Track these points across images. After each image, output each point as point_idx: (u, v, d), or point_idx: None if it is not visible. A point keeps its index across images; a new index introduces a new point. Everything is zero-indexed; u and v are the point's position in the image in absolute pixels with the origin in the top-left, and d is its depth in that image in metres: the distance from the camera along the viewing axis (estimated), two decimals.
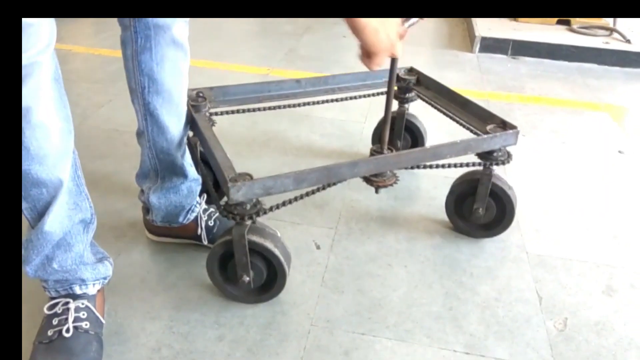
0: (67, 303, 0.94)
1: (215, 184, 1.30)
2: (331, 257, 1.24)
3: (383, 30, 0.79)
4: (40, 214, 0.85)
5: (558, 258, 1.27)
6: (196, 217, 1.20)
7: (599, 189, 1.56)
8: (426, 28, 3.10)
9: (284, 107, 1.39)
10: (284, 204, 1.06)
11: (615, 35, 2.72)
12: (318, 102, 1.42)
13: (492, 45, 2.70)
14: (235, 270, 1.03)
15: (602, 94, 2.27)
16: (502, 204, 1.25)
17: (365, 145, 1.72)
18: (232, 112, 1.34)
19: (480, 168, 1.22)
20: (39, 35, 0.71)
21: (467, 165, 1.24)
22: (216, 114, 1.31)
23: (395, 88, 1.44)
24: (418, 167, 1.17)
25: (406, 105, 1.51)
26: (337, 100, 1.44)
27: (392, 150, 1.16)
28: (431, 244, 1.30)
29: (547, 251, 1.29)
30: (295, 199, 1.08)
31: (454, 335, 1.05)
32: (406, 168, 1.15)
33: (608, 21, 2.80)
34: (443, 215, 1.33)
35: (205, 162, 1.22)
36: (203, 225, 1.20)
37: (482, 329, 1.06)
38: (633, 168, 1.69)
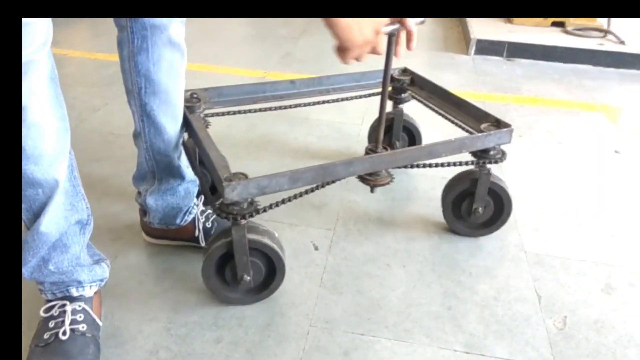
0: (64, 305, 0.93)
1: (212, 187, 1.29)
2: (329, 258, 1.24)
3: (357, 27, 0.79)
4: (36, 215, 0.84)
5: (556, 257, 1.27)
6: (193, 219, 1.20)
7: (596, 188, 1.57)
8: (421, 31, 3.11)
9: (281, 108, 1.38)
10: (278, 204, 1.06)
11: (610, 36, 2.73)
12: (314, 104, 1.42)
13: (488, 48, 2.71)
14: (234, 272, 1.02)
15: (598, 94, 2.28)
16: (499, 201, 1.26)
17: (362, 146, 1.70)
18: (228, 113, 1.34)
19: (472, 167, 1.23)
20: (35, 34, 0.70)
21: (462, 164, 1.24)
22: (211, 115, 1.30)
23: (390, 88, 1.44)
24: (413, 166, 1.17)
25: (400, 106, 1.51)
26: (333, 101, 1.44)
27: (387, 149, 1.16)
28: (429, 244, 1.29)
29: (545, 250, 1.29)
30: (290, 199, 1.07)
31: (453, 334, 1.04)
32: (401, 167, 1.15)
33: (602, 23, 2.82)
34: (441, 216, 1.33)
35: (202, 164, 1.22)
36: (200, 227, 1.19)
37: (482, 328, 1.06)
38: (629, 167, 1.69)
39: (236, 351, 0.99)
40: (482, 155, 1.20)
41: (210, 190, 1.27)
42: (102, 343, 0.96)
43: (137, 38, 0.96)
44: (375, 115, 1.17)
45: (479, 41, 2.71)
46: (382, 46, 0.87)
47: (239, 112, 1.35)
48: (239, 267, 1.01)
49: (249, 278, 1.02)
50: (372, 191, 1.19)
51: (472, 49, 2.72)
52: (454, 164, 1.24)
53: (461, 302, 1.12)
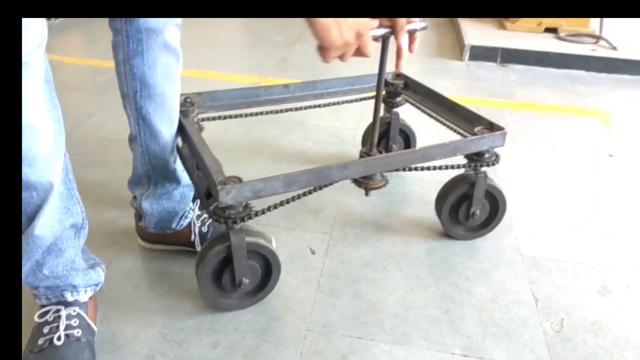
0: (59, 310, 0.92)
1: (207, 192, 1.29)
2: (326, 261, 1.23)
3: (336, 28, 0.77)
4: (30, 218, 0.83)
5: (553, 260, 1.27)
6: (189, 223, 1.19)
7: (591, 192, 1.57)
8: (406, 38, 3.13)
9: (277, 112, 1.38)
10: (275, 206, 1.05)
11: (602, 42, 2.76)
12: (306, 108, 1.42)
13: (482, 54, 2.73)
14: (232, 277, 1.02)
15: (591, 99, 2.30)
16: (493, 201, 1.27)
17: (358, 151, 1.71)
18: (222, 117, 1.34)
19: (464, 171, 1.23)
20: (30, 35, 0.70)
21: (455, 167, 1.24)
22: (205, 119, 1.30)
23: (384, 92, 1.45)
24: (408, 169, 1.17)
25: (396, 110, 1.51)
26: (328, 105, 1.44)
27: (381, 153, 1.16)
28: (426, 248, 1.29)
29: (541, 253, 1.30)
30: (286, 202, 1.07)
31: (451, 337, 1.04)
32: (396, 170, 1.15)
33: (595, 29, 2.85)
34: (437, 219, 1.33)
35: (198, 168, 1.21)
36: (196, 231, 1.19)
37: (479, 331, 1.06)
38: (623, 171, 1.70)
39: (233, 356, 0.98)
40: (476, 158, 1.21)
41: (206, 195, 1.26)
42: (98, 349, 0.96)
43: (132, 41, 0.96)
44: (371, 119, 1.17)
45: (473, 47, 2.73)
46: (370, 49, 0.85)
47: (233, 116, 1.34)
48: (238, 271, 1.01)
49: (248, 281, 1.02)
50: (367, 194, 1.19)
51: (466, 55, 2.74)
52: (447, 167, 1.24)
53: (458, 305, 1.12)
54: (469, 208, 1.25)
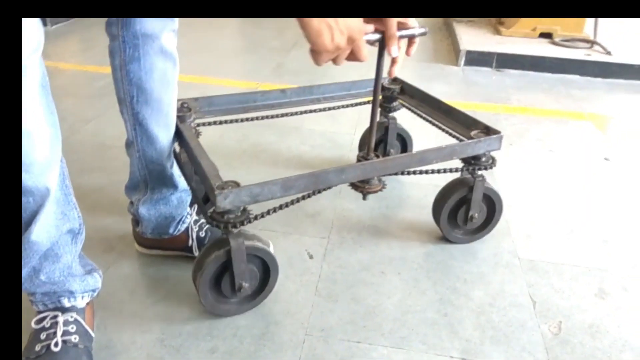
0: (56, 316, 0.92)
1: (205, 197, 1.29)
2: (324, 266, 1.23)
3: (328, 33, 0.77)
4: (27, 224, 0.83)
5: (550, 263, 1.28)
6: (187, 228, 1.19)
7: (587, 195, 1.58)
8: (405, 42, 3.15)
9: (273, 117, 1.39)
10: (275, 210, 1.06)
11: (596, 47, 2.78)
12: (301, 113, 1.43)
13: (477, 59, 2.74)
14: (231, 281, 1.01)
15: (586, 103, 2.31)
16: (490, 202, 1.28)
17: (355, 155, 1.72)
18: (219, 122, 1.34)
19: (460, 176, 1.23)
20: (25, 39, 0.70)
21: (451, 171, 1.25)
22: (203, 124, 1.30)
23: (380, 97, 1.45)
24: (405, 173, 1.18)
25: (394, 114, 1.52)
26: (324, 109, 1.44)
27: (378, 157, 1.16)
28: (424, 251, 1.29)
29: (538, 256, 1.30)
30: (284, 206, 1.07)
31: (449, 341, 1.04)
32: (393, 174, 1.15)
33: (589, 34, 2.87)
34: (434, 223, 1.33)
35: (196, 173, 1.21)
36: (194, 236, 1.18)
37: (478, 334, 1.05)
38: (619, 174, 1.71)
39: None
40: (473, 162, 1.21)
41: (203, 200, 1.26)
42: (95, 355, 0.95)
43: (129, 47, 0.96)
44: (367, 124, 1.18)
45: (468, 52, 2.74)
46: (364, 53, 0.86)
47: (230, 121, 1.35)
48: (238, 276, 1.00)
49: (247, 285, 1.02)
50: (364, 198, 1.19)
51: (462, 60, 2.75)
52: (445, 171, 1.25)
53: (457, 309, 1.12)
54: (467, 212, 1.26)
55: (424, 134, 1.67)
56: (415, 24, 0.97)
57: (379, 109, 1.17)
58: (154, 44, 0.97)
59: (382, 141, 1.57)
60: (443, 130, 1.33)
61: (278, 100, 1.38)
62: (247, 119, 1.36)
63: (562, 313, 1.12)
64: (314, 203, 1.45)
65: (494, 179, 1.61)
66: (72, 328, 0.92)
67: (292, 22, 0.78)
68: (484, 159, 1.21)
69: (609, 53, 2.70)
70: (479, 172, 1.22)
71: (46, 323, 0.91)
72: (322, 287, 1.17)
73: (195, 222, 1.20)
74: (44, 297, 0.92)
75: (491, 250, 1.31)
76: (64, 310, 0.93)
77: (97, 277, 0.99)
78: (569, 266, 1.27)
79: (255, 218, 1.02)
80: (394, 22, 0.90)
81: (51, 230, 0.86)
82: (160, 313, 1.08)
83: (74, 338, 0.91)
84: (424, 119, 1.39)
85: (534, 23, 2.94)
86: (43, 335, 0.90)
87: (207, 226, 1.21)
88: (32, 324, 0.92)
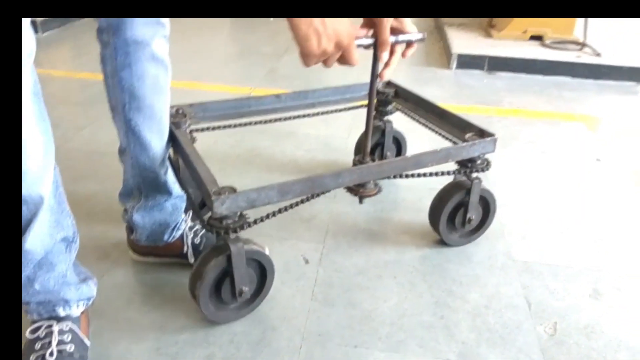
0: (50, 326, 0.91)
1: (201, 203, 1.29)
2: (320, 270, 1.23)
3: (315, 38, 0.78)
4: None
5: (544, 264, 1.28)
6: (182, 235, 1.18)
7: (580, 196, 1.59)
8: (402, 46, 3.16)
9: (268, 121, 1.39)
10: (273, 214, 1.05)
11: (586, 49, 2.81)
12: (295, 117, 1.43)
13: (469, 62, 2.76)
14: (231, 287, 1.01)
15: (577, 105, 2.33)
16: (484, 203, 1.28)
17: (350, 159, 1.72)
18: (214, 128, 1.34)
19: (455, 179, 1.24)
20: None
21: (446, 173, 1.25)
22: (197, 130, 1.30)
23: (375, 101, 1.46)
24: (400, 176, 1.18)
25: (389, 118, 1.53)
26: (319, 114, 1.45)
27: (374, 161, 1.17)
28: (419, 255, 1.30)
29: (533, 258, 1.30)
30: (282, 210, 1.07)
31: (446, 343, 1.04)
32: (389, 177, 1.15)
33: (579, 36, 2.90)
34: (430, 226, 1.34)
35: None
36: (189, 243, 1.18)
37: (474, 337, 1.06)
38: (610, 174, 1.73)
39: None
40: (469, 165, 1.22)
41: (199, 206, 1.26)
42: None
43: (120, 54, 0.96)
44: (361, 127, 1.18)
45: (460, 56, 2.76)
46: (354, 58, 0.87)
47: (225, 126, 1.35)
48: (238, 280, 1.00)
49: (247, 289, 1.02)
50: (360, 202, 1.19)
51: (454, 64, 2.77)
52: (442, 173, 1.25)
53: (453, 312, 1.12)
54: (465, 214, 1.26)
55: (418, 137, 1.67)
56: (413, 29, 0.98)
57: (374, 113, 1.18)
58: (145, 50, 0.97)
59: (378, 144, 1.57)
60: (437, 133, 1.34)
61: (273, 105, 1.39)
62: (241, 124, 1.36)
63: (557, 314, 1.13)
64: (309, 207, 1.45)
65: (488, 181, 1.61)
66: (67, 337, 0.91)
67: (284, 27, 0.78)
68: (479, 162, 1.22)
69: (598, 55, 2.73)
70: (475, 175, 1.22)
71: (41, 333, 0.90)
72: (319, 291, 1.16)
73: (190, 228, 1.20)
74: (38, 306, 0.91)
75: (486, 253, 1.31)
76: (59, 319, 0.92)
77: (92, 285, 0.98)
78: (563, 267, 1.28)
79: (255, 222, 1.02)
80: (386, 27, 0.91)
81: (45, 238, 0.86)
82: (156, 321, 1.07)
83: (69, 347, 0.90)
84: (419, 122, 1.39)
85: (525, 26, 2.97)
86: (38, 345, 0.89)
87: (203, 232, 1.20)
88: (27, 334, 0.91)
